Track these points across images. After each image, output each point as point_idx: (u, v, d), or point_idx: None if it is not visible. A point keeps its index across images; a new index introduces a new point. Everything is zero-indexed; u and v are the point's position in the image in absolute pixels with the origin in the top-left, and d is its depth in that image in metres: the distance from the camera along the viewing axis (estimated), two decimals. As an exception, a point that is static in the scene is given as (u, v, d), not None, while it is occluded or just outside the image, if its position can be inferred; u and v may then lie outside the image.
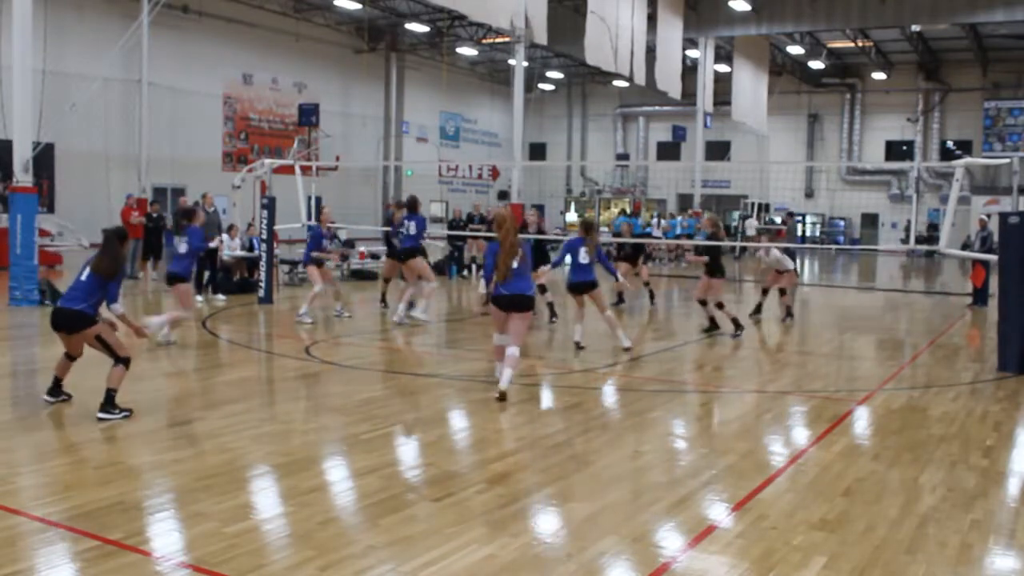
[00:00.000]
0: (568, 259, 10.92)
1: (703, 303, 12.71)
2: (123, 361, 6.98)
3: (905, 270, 30.31)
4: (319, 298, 13.41)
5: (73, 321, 6.98)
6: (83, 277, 7.10)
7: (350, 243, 21.02)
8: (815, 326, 14.54)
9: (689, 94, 35.27)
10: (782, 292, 14.23)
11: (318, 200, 20.48)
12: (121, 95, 26.24)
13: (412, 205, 13.29)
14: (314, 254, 13.48)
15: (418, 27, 35.07)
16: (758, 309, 14.51)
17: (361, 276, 19.91)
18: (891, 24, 32.20)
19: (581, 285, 10.80)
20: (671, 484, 5.69)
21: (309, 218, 17.84)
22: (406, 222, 13.03)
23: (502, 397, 7.79)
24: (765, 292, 14.65)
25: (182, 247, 10.78)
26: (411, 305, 13.22)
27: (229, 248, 16.73)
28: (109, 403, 6.90)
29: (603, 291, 11.14)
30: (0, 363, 9.46)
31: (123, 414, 6.90)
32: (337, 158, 32.26)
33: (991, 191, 36.87)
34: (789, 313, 14.15)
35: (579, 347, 10.81)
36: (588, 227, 10.94)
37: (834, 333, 13.48)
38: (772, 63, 39.05)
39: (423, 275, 13.00)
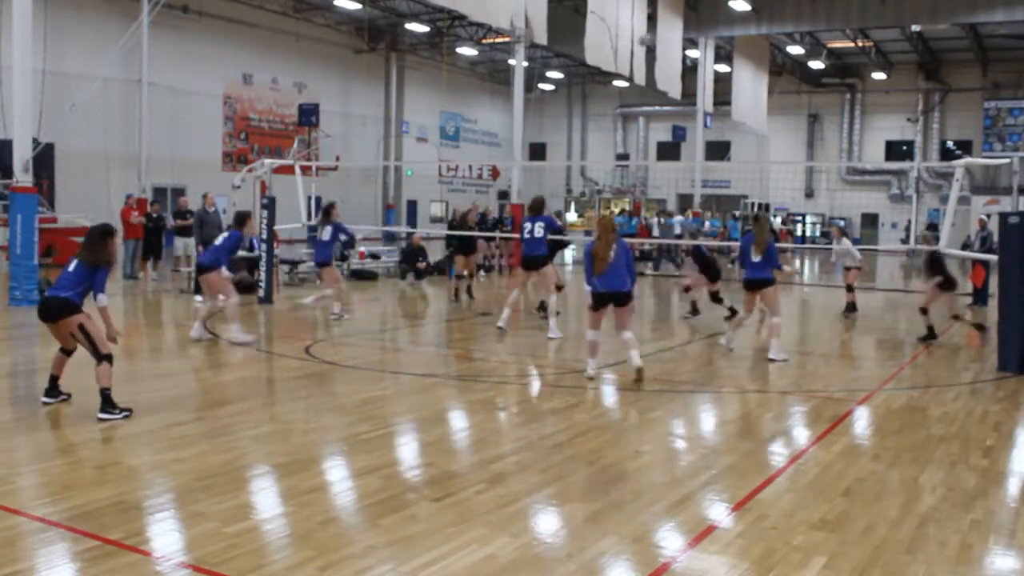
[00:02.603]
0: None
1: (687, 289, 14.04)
2: (105, 358, 6.97)
3: (905, 270, 30.30)
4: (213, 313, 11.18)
5: (58, 308, 6.99)
6: (70, 268, 7.15)
7: (351, 243, 21.00)
8: (815, 326, 14.54)
9: (689, 94, 35.27)
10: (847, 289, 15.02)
11: (318, 200, 20.49)
12: (121, 95, 26.25)
13: (537, 206, 11.88)
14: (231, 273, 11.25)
15: (418, 27, 35.09)
16: (852, 307, 15.00)
17: (361, 276, 19.91)
18: (891, 24, 32.21)
19: (751, 283, 10.51)
20: (671, 484, 5.69)
21: (309, 218, 17.85)
22: (528, 223, 11.69)
23: (639, 376, 8.65)
24: (850, 289, 15.10)
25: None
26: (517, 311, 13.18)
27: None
28: (108, 403, 6.91)
29: (777, 293, 10.61)
30: (0, 363, 9.46)
31: (124, 414, 6.90)
32: (337, 158, 32.28)
33: (991, 191, 36.87)
34: (852, 308, 14.86)
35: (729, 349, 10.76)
36: (756, 221, 10.97)
37: (834, 333, 13.47)
38: (772, 63, 39.06)
39: (546, 285, 11.79)
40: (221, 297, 10.85)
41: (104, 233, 7.27)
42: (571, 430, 7.01)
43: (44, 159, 21.49)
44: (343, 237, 13.89)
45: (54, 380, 7.34)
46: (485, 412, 7.74)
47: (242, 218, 11.56)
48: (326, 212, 13.25)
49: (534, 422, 7.41)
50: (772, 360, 10.23)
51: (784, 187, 40.28)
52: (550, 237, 11.99)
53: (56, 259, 18.48)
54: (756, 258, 10.41)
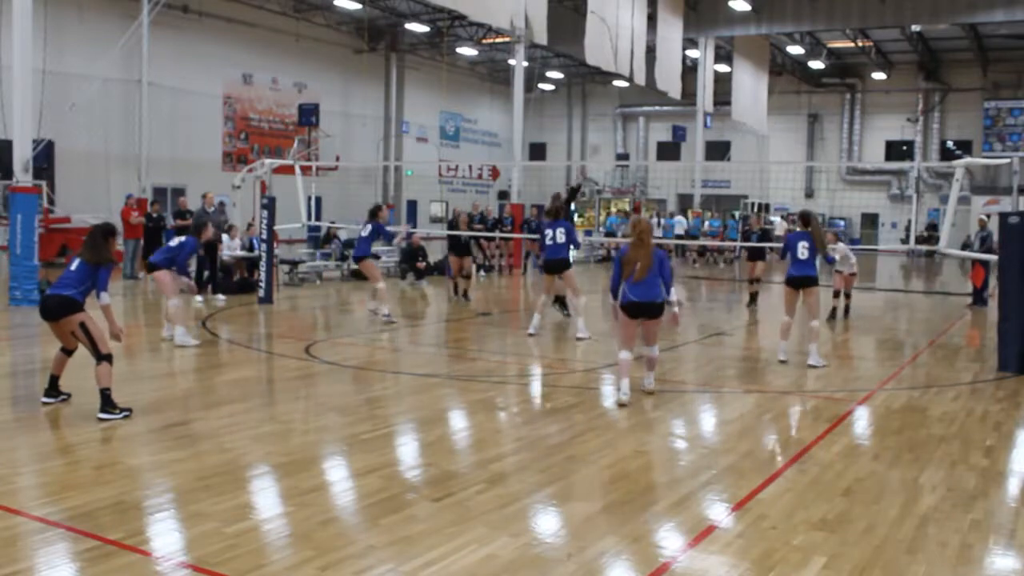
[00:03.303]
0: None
1: None
2: (105, 358, 6.99)
3: (905, 270, 30.31)
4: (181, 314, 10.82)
5: (60, 306, 7.01)
6: (72, 267, 7.20)
7: (350, 243, 21.01)
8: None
9: (689, 94, 35.27)
10: (842, 295, 14.78)
11: (318, 200, 20.49)
12: (121, 95, 26.24)
13: (555, 211, 12.09)
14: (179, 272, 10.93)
15: (418, 27, 35.09)
16: (834, 313, 14.74)
17: (361, 276, 19.87)
18: (891, 24, 32.23)
19: (798, 280, 10.04)
20: (671, 484, 5.69)
21: (309, 218, 17.83)
22: (549, 229, 11.85)
23: (647, 393, 8.20)
24: (837, 295, 14.87)
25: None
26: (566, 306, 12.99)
27: (229, 248, 16.73)
28: (108, 403, 6.92)
29: (819, 294, 10.30)
30: (0, 363, 9.46)
31: (123, 414, 6.91)
32: (337, 158, 32.26)
33: (991, 191, 36.88)
34: (834, 315, 14.59)
35: (783, 362, 10.21)
36: (806, 219, 10.46)
37: (834, 333, 13.46)
38: (772, 63, 39.07)
39: (572, 287, 12.04)
40: (165, 298, 10.81)
41: (105, 232, 7.30)
42: (571, 430, 7.01)
43: (45, 158, 21.54)
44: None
45: (54, 380, 7.34)
46: (485, 412, 7.74)
47: (199, 226, 11.47)
48: (374, 213, 13.44)
49: (534, 422, 7.41)
50: (812, 367, 9.85)
51: (784, 187, 40.27)
52: (558, 243, 11.99)
53: (68, 259, 18.52)
54: (803, 255, 10.02)
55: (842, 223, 42.05)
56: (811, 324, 10.16)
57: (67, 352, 7.29)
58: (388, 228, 14.80)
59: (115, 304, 9.76)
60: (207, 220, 12.66)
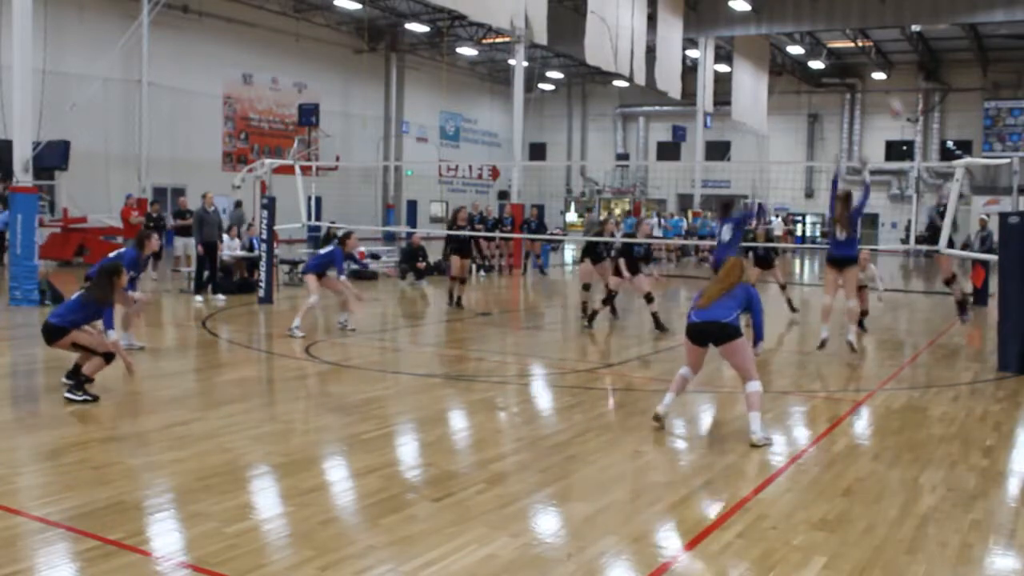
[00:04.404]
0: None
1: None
2: (104, 356, 7.39)
3: (905, 270, 30.30)
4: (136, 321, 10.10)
5: (49, 334, 7.51)
6: (74, 296, 7.71)
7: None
8: (815, 326, 14.51)
9: (689, 94, 35.28)
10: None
11: (318, 200, 20.47)
12: (121, 95, 26.25)
13: (727, 206, 12.22)
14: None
15: (418, 27, 35.12)
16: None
17: (360, 276, 19.89)
18: (891, 24, 32.25)
19: (838, 260, 10.56)
20: (671, 484, 5.69)
21: (309, 218, 17.83)
22: (721, 226, 11.98)
23: (754, 445, 6.60)
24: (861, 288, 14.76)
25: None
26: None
27: (229, 248, 16.73)
28: (79, 386, 7.30)
29: (855, 274, 10.81)
30: (0, 363, 9.46)
31: (86, 397, 7.27)
32: (337, 158, 32.28)
33: (991, 191, 36.87)
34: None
35: (853, 350, 10.59)
36: (840, 199, 10.82)
37: (834, 333, 13.45)
38: (772, 63, 39.09)
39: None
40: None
41: (111, 272, 7.68)
42: (571, 430, 7.01)
43: (63, 158, 21.63)
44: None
45: (77, 368, 7.55)
46: (485, 412, 7.74)
47: (141, 239, 10.18)
48: (341, 240, 12.48)
49: (534, 422, 7.41)
50: (849, 342, 10.51)
51: (784, 187, 40.25)
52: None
53: (87, 259, 18.61)
54: (841, 236, 10.47)
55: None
56: (849, 304, 10.66)
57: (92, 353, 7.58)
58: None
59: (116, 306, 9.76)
60: (149, 233, 11.58)
